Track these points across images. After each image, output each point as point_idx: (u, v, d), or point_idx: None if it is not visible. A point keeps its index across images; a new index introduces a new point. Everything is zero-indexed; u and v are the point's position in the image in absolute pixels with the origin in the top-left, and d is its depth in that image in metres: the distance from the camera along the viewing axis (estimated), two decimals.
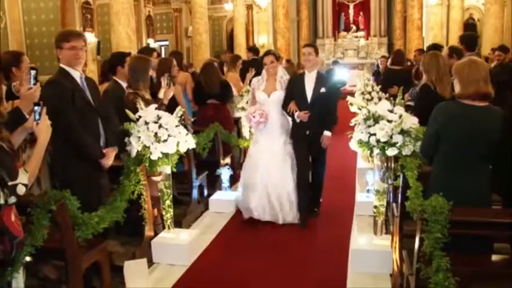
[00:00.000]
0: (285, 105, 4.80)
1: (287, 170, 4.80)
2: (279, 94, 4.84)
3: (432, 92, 4.13)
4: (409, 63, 8.92)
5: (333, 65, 12.27)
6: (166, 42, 23.52)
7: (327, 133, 4.69)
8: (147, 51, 5.77)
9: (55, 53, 3.45)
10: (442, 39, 16.67)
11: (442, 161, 2.85)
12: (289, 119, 4.89)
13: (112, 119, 3.76)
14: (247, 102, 6.40)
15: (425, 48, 15.13)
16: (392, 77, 7.20)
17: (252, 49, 9.51)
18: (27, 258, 2.54)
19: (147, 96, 4.40)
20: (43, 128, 2.41)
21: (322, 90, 4.67)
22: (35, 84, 2.58)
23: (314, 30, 21.84)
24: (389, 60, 8.93)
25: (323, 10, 21.40)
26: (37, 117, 2.41)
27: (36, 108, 2.41)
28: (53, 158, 3.40)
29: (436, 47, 6.49)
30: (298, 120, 4.69)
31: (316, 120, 4.64)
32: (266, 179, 4.78)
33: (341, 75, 11.66)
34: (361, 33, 21.18)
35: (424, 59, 4.49)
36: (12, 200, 2.15)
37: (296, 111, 4.66)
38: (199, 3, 14.54)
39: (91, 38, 15.52)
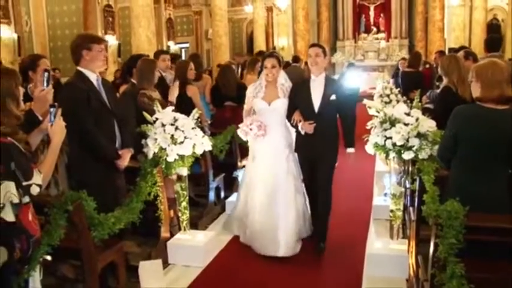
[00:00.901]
0: (289, 116, 4.16)
1: (290, 193, 4.16)
2: (281, 102, 4.19)
3: (454, 94, 4.07)
4: (427, 66, 8.80)
5: (348, 67, 11.07)
6: (187, 45, 23.71)
7: (350, 150, 4.32)
8: (157, 54, 5.83)
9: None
10: (464, 41, 16.43)
11: (460, 165, 2.80)
12: (292, 131, 4.24)
13: (129, 120, 3.82)
14: None
15: (447, 50, 15.00)
16: (407, 80, 7.14)
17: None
18: (47, 257, 2.59)
19: (155, 95, 4.43)
20: (57, 129, 2.45)
21: (333, 97, 4.01)
22: (47, 86, 2.62)
23: (334, 32, 21.75)
24: (406, 62, 8.85)
25: (343, 12, 21.30)
26: (52, 118, 2.45)
27: (51, 109, 2.46)
28: (70, 159, 3.46)
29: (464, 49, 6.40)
30: (302, 132, 4.04)
31: (325, 133, 4.00)
32: (265, 205, 4.14)
33: (354, 80, 10.43)
34: (382, 35, 21.02)
35: (443, 61, 4.43)
36: (26, 199, 2.20)
37: (300, 121, 4.03)
38: (219, 5, 14.63)
39: (112, 40, 15.77)
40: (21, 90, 2.33)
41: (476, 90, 2.75)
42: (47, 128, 2.46)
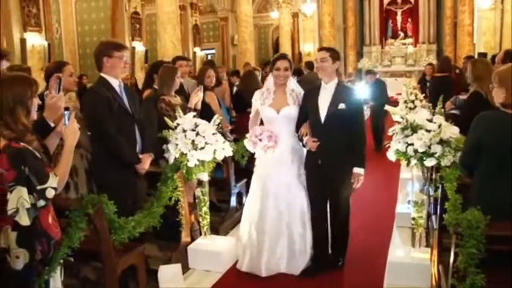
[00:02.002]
0: (297, 128, 3.84)
1: (305, 210, 3.87)
2: (291, 110, 3.83)
3: (483, 100, 3.98)
4: (457, 71, 8.64)
5: (366, 75, 10.01)
6: (213, 51, 23.92)
7: (357, 170, 3.67)
8: (174, 60, 5.89)
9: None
10: (494, 45, 16.02)
11: (483, 173, 2.72)
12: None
13: (151, 125, 3.87)
14: None
15: (476, 55, 14.67)
16: (438, 85, 7.00)
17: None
18: (70, 259, 2.64)
19: (175, 101, 4.48)
20: (70, 132, 2.48)
21: (341, 106, 3.62)
22: (58, 93, 2.63)
23: (361, 37, 21.60)
24: (436, 67, 8.68)
25: (370, 17, 21.14)
26: (66, 121, 2.50)
27: (66, 112, 2.50)
28: (91, 163, 3.54)
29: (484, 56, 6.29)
30: (307, 148, 3.78)
31: (332, 147, 3.66)
32: (276, 225, 3.83)
33: (361, 90, 9.39)
34: (409, 40, 20.77)
35: (475, 66, 4.33)
36: (42, 203, 2.24)
37: (306, 135, 3.74)
38: (244, 12, 14.76)
39: (139, 46, 16.04)
40: (36, 101, 2.36)
41: (499, 96, 2.67)
42: (62, 130, 2.50)
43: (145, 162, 3.62)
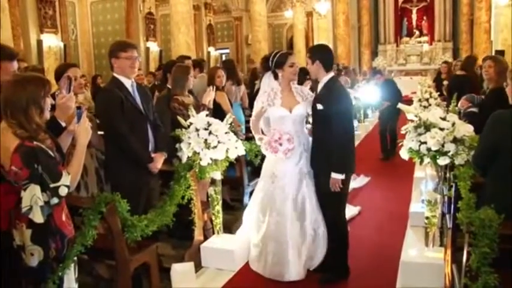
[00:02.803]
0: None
1: (318, 210, 3.78)
2: (302, 108, 3.76)
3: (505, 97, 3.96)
4: (478, 71, 8.48)
5: (374, 76, 9.29)
6: (227, 50, 23.99)
7: (333, 175, 3.49)
8: (178, 59, 5.93)
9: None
10: None
11: (497, 173, 2.69)
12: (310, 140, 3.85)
13: (164, 125, 3.90)
14: None
15: (493, 53, 14.43)
16: (456, 84, 6.88)
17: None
18: (85, 257, 2.68)
19: (187, 100, 4.51)
20: (81, 130, 2.51)
21: (319, 107, 3.56)
22: (68, 93, 2.67)
23: (375, 35, 21.50)
24: (460, 65, 8.42)
25: (385, 15, 21.02)
26: (78, 120, 2.53)
27: (78, 111, 2.54)
28: (105, 162, 3.58)
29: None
30: None
31: (317, 150, 3.66)
32: (297, 229, 3.75)
33: (372, 92, 8.92)
34: (425, 38, 20.60)
35: (499, 64, 4.32)
36: (55, 201, 2.28)
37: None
38: (258, 11, 14.78)
39: (154, 47, 16.15)
40: (49, 100, 2.40)
41: None
42: (74, 129, 2.53)
43: (158, 162, 3.65)
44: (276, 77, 3.87)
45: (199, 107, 4.39)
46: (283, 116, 3.77)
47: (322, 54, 3.64)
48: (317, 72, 3.64)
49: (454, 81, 7.36)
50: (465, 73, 7.10)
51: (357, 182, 6.53)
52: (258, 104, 3.94)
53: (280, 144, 3.66)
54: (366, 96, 9.40)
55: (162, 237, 4.30)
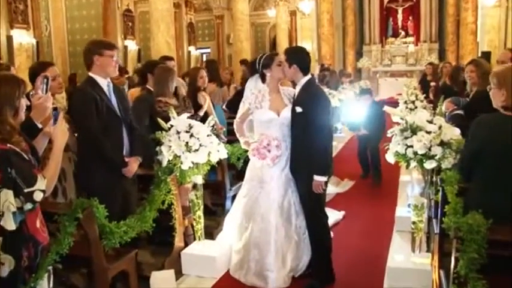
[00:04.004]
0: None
1: (302, 216, 3.79)
2: (289, 111, 3.73)
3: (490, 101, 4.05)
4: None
5: (360, 96, 7.51)
6: (208, 50, 23.92)
7: (315, 177, 3.52)
8: (162, 60, 5.90)
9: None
10: (499, 44, 16.01)
11: (482, 177, 2.73)
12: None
13: (139, 127, 3.87)
14: None
15: (479, 54, 14.64)
16: (445, 91, 6.83)
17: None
18: (59, 266, 2.63)
19: (172, 102, 4.51)
20: (58, 132, 2.47)
21: (298, 109, 3.59)
22: (46, 93, 2.61)
23: (360, 36, 21.66)
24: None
25: (370, 15, 21.20)
26: (54, 122, 2.48)
27: (54, 113, 2.49)
28: (77, 164, 3.54)
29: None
30: None
31: (296, 153, 3.68)
32: (282, 235, 3.76)
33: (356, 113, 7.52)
34: (410, 39, 20.82)
35: (481, 68, 4.41)
36: (28, 206, 2.23)
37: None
38: (240, 10, 14.77)
39: (132, 45, 16.03)
40: (24, 101, 2.35)
41: (498, 98, 2.67)
42: (50, 131, 2.48)
43: (133, 166, 3.62)
44: (263, 79, 3.89)
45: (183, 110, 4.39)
46: (271, 119, 3.76)
47: (298, 58, 3.68)
48: (294, 76, 3.70)
49: (442, 89, 7.45)
50: (452, 84, 7.21)
51: (341, 186, 6.56)
52: (244, 106, 3.94)
53: (269, 151, 3.68)
54: (351, 114, 8.42)
55: (141, 244, 4.26)
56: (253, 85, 3.94)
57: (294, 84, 3.87)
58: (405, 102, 6.36)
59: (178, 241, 4.10)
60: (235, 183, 5.33)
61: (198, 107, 4.99)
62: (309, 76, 3.70)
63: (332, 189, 5.93)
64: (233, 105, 6.17)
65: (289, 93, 3.89)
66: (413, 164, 3.52)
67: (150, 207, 3.54)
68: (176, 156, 3.83)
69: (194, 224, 4.14)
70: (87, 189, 3.39)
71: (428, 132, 3.44)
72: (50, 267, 2.51)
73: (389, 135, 3.75)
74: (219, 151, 3.99)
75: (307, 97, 3.60)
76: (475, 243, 2.28)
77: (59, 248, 2.62)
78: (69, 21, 15.55)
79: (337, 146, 9.08)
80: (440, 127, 3.43)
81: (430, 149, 3.41)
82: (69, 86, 9.83)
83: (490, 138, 2.66)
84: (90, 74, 3.53)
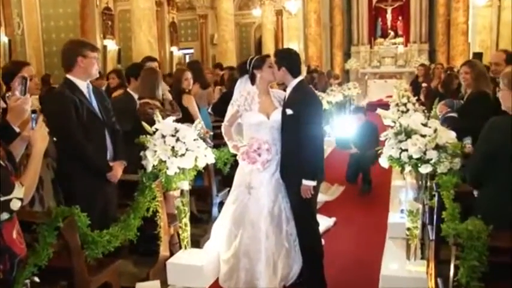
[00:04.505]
0: None
1: (293, 223, 3.79)
2: (280, 114, 3.73)
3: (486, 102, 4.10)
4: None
5: (353, 114, 7.56)
6: (191, 51, 23.86)
7: (304, 182, 3.52)
8: (145, 61, 5.86)
9: None
10: (491, 44, 16.17)
11: (497, 182, 2.66)
12: None
13: (124, 131, 3.83)
14: None
15: (471, 55, 14.78)
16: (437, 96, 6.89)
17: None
18: (35, 279, 2.57)
19: (158, 105, 4.49)
20: (38, 136, 2.40)
21: (289, 112, 3.59)
22: (24, 95, 2.53)
23: (348, 36, 21.84)
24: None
25: (358, 15, 21.38)
26: (34, 125, 2.42)
27: (33, 116, 2.43)
28: (57, 171, 3.48)
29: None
30: None
31: (286, 157, 3.69)
32: (272, 243, 3.74)
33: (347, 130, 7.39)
34: (400, 40, 21.05)
35: (476, 69, 4.47)
36: (5, 216, 2.16)
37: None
38: (225, 9, 14.77)
39: (112, 45, 15.89)
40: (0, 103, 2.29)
41: (508, 100, 2.65)
42: (29, 135, 2.41)
43: (117, 170, 3.58)
44: (253, 81, 3.88)
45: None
46: (261, 122, 3.76)
47: (288, 60, 3.69)
48: (283, 78, 3.72)
49: (435, 94, 7.52)
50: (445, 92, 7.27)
51: (330, 193, 6.54)
52: (232, 108, 3.91)
53: (259, 155, 3.67)
54: (343, 130, 8.28)
55: (123, 253, 4.21)
56: (243, 87, 3.94)
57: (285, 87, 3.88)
58: (397, 105, 6.38)
59: (163, 250, 4.06)
60: (221, 189, 5.31)
61: (183, 109, 4.95)
62: (300, 78, 3.71)
63: (320, 197, 5.93)
64: (218, 109, 6.16)
65: (279, 95, 3.90)
66: (408, 168, 3.53)
67: (135, 215, 3.50)
68: (161, 161, 3.80)
69: (180, 232, 4.10)
70: (67, 196, 3.34)
71: (423, 136, 3.46)
72: (27, 281, 2.46)
73: (382, 138, 3.77)
74: (206, 156, 3.97)
75: (298, 99, 3.60)
76: (475, 250, 2.29)
77: (37, 259, 2.56)
78: (44, 19, 15.30)
79: (326, 149, 9.12)
80: (435, 130, 3.46)
81: (425, 153, 3.43)
82: (43, 87, 9.64)
83: (504, 141, 2.61)
84: (68, 76, 3.47)
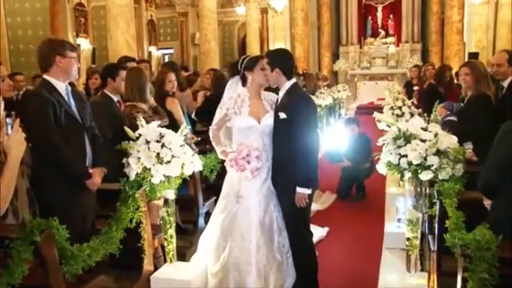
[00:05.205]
0: None
1: (286, 233, 3.79)
2: (272, 118, 3.74)
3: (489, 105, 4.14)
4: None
5: (346, 126, 7.18)
6: (171, 51, 23.80)
7: (298, 189, 3.54)
8: (123, 61, 5.82)
9: None
10: (487, 44, 16.33)
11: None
12: None
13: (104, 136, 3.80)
14: None
15: (466, 55, 14.89)
16: (430, 93, 6.97)
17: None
18: None
19: (146, 109, 4.48)
20: (13, 142, 2.37)
21: (282, 115, 3.60)
22: None
23: (337, 36, 22.01)
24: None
25: (347, 13, 21.56)
26: (9, 130, 2.38)
27: (8, 120, 2.39)
28: (32, 178, 3.42)
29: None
30: None
31: (278, 163, 3.70)
32: (264, 255, 3.73)
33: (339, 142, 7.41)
34: (391, 39, 21.29)
35: (476, 70, 4.52)
36: None
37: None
38: (207, 6, 14.76)
39: (85, 44, 15.76)
40: None
41: None
42: (3, 141, 2.38)
43: (97, 177, 3.55)
44: (244, 82, 3.87)
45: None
46: (251, 126, 3.76)
47: (282, 62, 3.69)
48: (277, 80, 3.70)
49: (428, 92, 7.59)
50: (436, 83, 7.36)
51: (321, 201, 6.54)
52: (221, 111, 3.90)
53: (248, 162, 3.66)
54: (332, 143, 8.27)
55: (102, 268, 4.15)
56: (233, 88, 3.93)
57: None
58: (391, 108, 6.41)
59: (147, 264, 4.01)
60: (207, 198, 5.28)
61: (167, 114, 4.92)
62: (293, 80, 3.72)
63: (312, 206, 5.94)
64: (203, 114, 6.14)
65: (271, 98, 3.90)
66: (407, 175, 3.54)
67: (117, 227, 3.46)
68: (146, 169, 3.76)
69: (165, 244, 4.06)
70: (43, 207, 3.27)
71: (423, 141, 3.47)
72: None
73: (380, 143, 3.78)
74: (193, 163, 3.94)
75: (292, 102, 3.60)
76: (484, 262, 2.29)
77: (10, 278, 2.49)
78: (8, 14, 14.99)
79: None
80: (436, 135, 3.47)
81: (425, 159, 3.44)
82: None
83: None
84: (46, 76, 3.44)
